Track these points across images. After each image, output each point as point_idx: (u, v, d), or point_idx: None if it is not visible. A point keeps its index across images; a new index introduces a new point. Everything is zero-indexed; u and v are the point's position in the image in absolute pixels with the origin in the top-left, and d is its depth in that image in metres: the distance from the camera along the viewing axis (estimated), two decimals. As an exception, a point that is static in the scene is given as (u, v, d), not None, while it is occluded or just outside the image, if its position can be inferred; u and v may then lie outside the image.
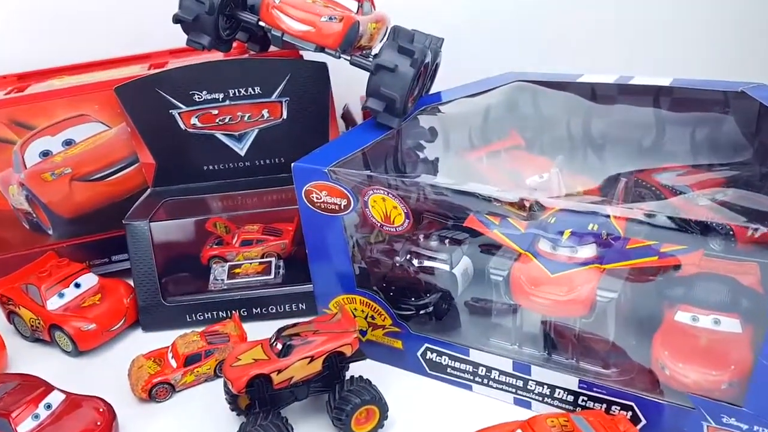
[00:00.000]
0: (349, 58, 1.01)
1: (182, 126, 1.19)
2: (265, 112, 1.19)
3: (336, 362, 0.88)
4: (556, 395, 0.89)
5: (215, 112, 1.18)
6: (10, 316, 1.15)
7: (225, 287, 1.16)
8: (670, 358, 0.81)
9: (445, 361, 0.96)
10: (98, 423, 0.88)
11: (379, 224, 0.93)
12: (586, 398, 0.87)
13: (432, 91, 1.14)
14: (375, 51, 1.04)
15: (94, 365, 1.08)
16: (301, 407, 0.92)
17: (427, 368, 0.98)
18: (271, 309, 1.14)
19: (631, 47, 1.47)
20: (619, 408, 0.85)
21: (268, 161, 1.23)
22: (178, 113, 1.18)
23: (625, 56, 1.44)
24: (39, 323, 1.10)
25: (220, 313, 1.14)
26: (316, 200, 0.94)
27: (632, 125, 1.09)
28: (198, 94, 1.16)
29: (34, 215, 1.25)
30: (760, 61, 1.42)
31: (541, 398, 0.90)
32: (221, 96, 1.17)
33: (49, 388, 0.91)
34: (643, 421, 0.84)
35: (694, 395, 0.79)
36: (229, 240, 1.24)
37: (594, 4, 1.46)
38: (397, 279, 1.01)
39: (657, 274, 0.83)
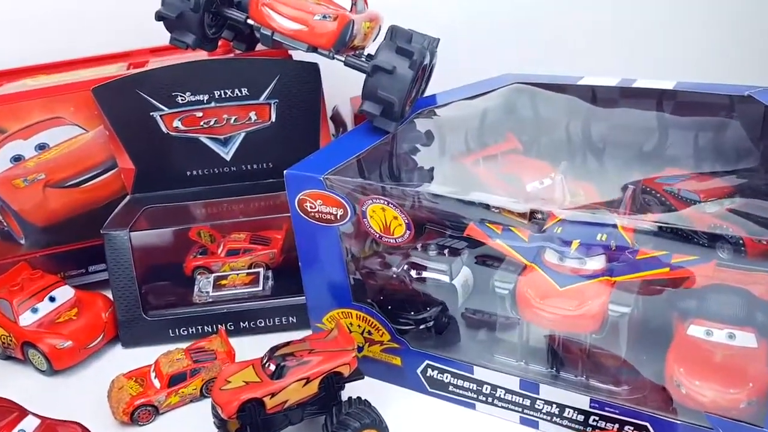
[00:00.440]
0: (342, 58, 0.99)
1: (164, 129, 1.17)
2: (252, 115, 1.16)
3: (333, 383, 0.86)
4: (565, 414, 0.87)
5: (199, 114, 1.16)
6: (-20, 332, 1.13)
7: (210, 300, 1.15)
8: (685, 375, 0.79)
9: (447, 378, 0.94)
10: (76, 450, 0.85)
11: (378, 235, 0.91)
12: (597, 418, 0.85)
13: (427, 93, 1.12)
14: (368, 51, 1.02)
15: (70, 386, 1.05)
16: (295, 431, 0.89)
17: (427, 386, 0.96)
18: (260, 323, 1.11)
19: (630, 48, 1.48)
20: (632, 428, 0.83)
21: (255, 166, 1.21)
22: (160, 115, 1.15)
23: (624, 57, 1.45)
24: (11, 340, 1.08)
25: (206, 327, 1.12)
26: (310, 209, 0.92)
27: (634, 129, 1.07)
28: (181, 96, 1.14)
29: (5, 224, 1.22)
30: (760, 62, 1.44)
31: (549, 418, 0.88)
32: (206, 97, 1.14)
33: (24, 412, 0.88)
34: (659, 443, 0.82)
35: (711, 414, 0.77)
36: (215, 249, 1.22)
37: (593, 4, 1.47)
38: (395, 291, 0.98)
39: (667, 285, 0.81)
